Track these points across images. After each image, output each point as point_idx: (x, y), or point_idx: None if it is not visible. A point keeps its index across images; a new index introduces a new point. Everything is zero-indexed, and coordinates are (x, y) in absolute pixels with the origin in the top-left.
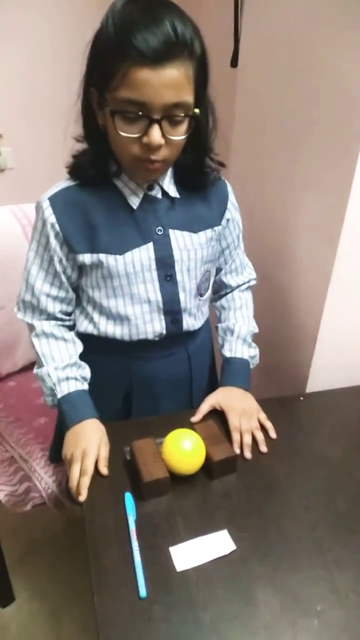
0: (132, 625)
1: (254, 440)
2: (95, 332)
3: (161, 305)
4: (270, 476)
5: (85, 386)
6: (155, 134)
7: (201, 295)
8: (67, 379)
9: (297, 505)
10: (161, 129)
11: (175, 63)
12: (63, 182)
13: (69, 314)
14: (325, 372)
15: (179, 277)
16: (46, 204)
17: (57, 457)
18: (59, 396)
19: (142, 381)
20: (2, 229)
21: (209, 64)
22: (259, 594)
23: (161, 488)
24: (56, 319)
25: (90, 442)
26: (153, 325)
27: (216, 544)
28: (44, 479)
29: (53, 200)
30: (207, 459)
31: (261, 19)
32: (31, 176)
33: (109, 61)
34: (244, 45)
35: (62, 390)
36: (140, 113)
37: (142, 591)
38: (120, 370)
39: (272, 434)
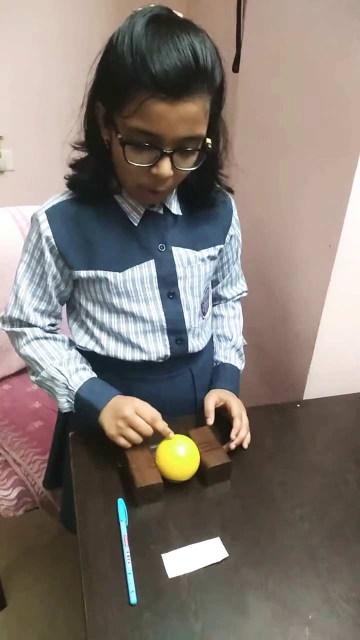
0: (122, 632)
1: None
2: (97, 349)
3: (164, 324)
4: (264, 484)
5: (95, 375)
6: (166, 167)
7: (204, 314)
8: (77, 370)
9: (290, 514)
10: (172, 160)
11: (194, 97)
12: (60, 194)
13: (55, 325)
14: (323, 380)
15: (182, 295)
16: (42, 217)
17: (51, 484)
18: (75, 390)
19: None
20: (0, 232)
21: (226, 89)
22: (251, 601)
23: (154, 494)
24: (45, 329)
25: (130, 407)
26: (156, 346)
27: (208, 551)
28: (37, 484)
29: (50, 213)
30: (201, 465)
31: (263, 24)
32: (31, 178)
33: (122, 86)
34: (246, 50)
35: (75, 383)
36: (151, 144)
37: (133, 598)
38: (119, 390)
39: (246, 445)
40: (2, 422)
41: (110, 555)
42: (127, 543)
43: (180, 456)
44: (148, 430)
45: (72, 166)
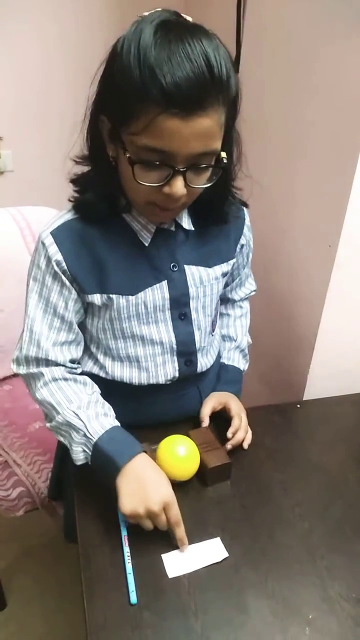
0: (122, 631)
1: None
2: (101, 373)
3: (175, 346)
4: (264, 483)
5: (118, 424)
6: (179, 185)
7: (213, 331)
8: (97, 416)
9: (291, 513)
10: (184, 178)
11: (208, 111)
12: (64, 213)
13: (77, 362)
14: (323, 380)
15: (193, 315)
16: (49, 240)
17: (55, 494)
18: (94, 438)
19: (149, 421)
20: (0, 232)
21: (240, 99)
22: (251, 601)
23: None
24: (65, 367)
25: (160, 502)
26: (165, 369)
27: (209, 551)
28: (37, 484)
29: (57, 235)
30: (202, 465)
31: (263, 24)
32: (31, 179)
33: (129, 100)
34: (246, 50)
35: (95, 430)
36: (162, 162)
37: (133, 597)
38: (126, 413)
39: (246, 445)
40: (2, 422)
41: (110, 555)
42: (127, 543)
43: (180, 456)
44: (165, 527)
45: (73, 182)
